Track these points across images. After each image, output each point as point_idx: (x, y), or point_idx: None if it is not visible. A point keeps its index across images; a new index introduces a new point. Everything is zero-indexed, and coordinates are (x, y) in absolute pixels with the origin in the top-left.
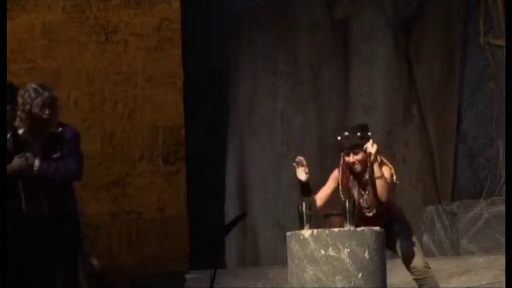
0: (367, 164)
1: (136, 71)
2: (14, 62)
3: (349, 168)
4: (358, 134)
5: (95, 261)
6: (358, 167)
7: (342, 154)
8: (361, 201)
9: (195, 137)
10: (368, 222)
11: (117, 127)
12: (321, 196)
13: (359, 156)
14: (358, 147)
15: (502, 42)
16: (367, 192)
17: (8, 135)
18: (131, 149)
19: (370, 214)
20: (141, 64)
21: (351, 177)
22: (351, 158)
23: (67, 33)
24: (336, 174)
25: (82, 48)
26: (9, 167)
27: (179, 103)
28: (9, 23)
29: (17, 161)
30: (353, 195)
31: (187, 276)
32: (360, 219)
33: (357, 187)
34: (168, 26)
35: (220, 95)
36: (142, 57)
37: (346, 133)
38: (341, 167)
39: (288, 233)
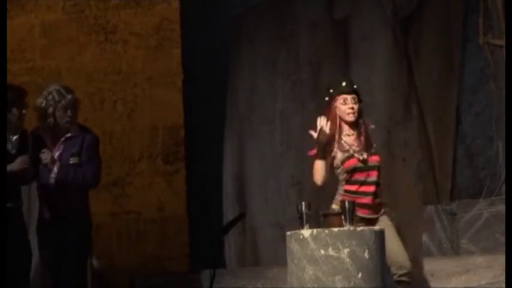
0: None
1: (136, 70)
2: (14, 62)
3: (341, 118)
4: (355, 86)
5: (94, 261)
6: (352, 116)
7: (333, 106)
8: (353, 146)
9: (194, 137)
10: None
11: (117, 127)
12: (317, 169)
13: (357, 106)
14: (357, 95)
15: (501, 42)
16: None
17: (14, 138)
18: (131, 149)
19: (363, 156)
20: (140, 64)
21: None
22: (349, 105)
23: (66, 33)
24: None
25: (81, 48)
26: (9, 167)
27: (179, 103)
28: (8, 22)
29: (15, 163)
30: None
31: (187, 276)
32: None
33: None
34: (168, 26)
35: (220, 94)
36: (142, 57)
37: (344, 82)
38: (333, 116)
39: (288, 233)
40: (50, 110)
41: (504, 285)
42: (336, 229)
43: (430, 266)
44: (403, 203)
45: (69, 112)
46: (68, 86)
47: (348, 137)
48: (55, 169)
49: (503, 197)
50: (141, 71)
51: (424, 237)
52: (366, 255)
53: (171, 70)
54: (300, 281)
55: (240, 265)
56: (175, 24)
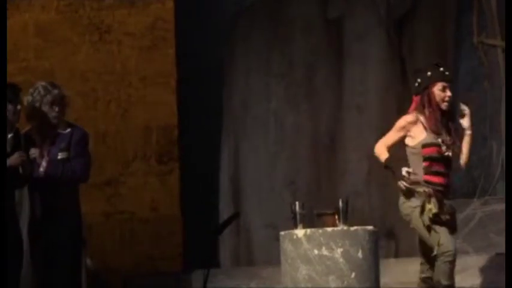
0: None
1: (129, 70)
2: (8, 62)
3: (437, 105)
4: (448, 72)
5: (88, 261)
6: (447, 105)
7: (429, 91)
8: (448, 139)
9: (188, 137)
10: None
11: (111, 127)
12: (387, 144)
13: (451, 93)
14: (452, 83)
15: (495, 41)
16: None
17: (9, 136)
18: (124, 149)
19: (450, 154)
20: (134, 64)
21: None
22: (447, 93)
23: (61, 33)
24: (402, 122)
25: (75, 48)
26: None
27: (173, 103)
28: None
29: (12, 158)
30: (440, 133)
31: (180, 276)
32: (434, 161)
33: (444, 127)
34: (162, 26)
35: (214, 94)
36: (135, 56)
37: (442, 68)
38: (429, 104)
39: (282, 233)
40: (37, 105)
41: (497, 285)
42: (329, 229)
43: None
44: (397, 202)
45: (55, 107)
46: (55, 82)
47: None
48: (43, 163)
49: (497, 196)
50: (135, 70)
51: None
52: (360, 255)
53: (165, 70)
54: (294, 280)
55: (234, 265)
56: (169, 24)
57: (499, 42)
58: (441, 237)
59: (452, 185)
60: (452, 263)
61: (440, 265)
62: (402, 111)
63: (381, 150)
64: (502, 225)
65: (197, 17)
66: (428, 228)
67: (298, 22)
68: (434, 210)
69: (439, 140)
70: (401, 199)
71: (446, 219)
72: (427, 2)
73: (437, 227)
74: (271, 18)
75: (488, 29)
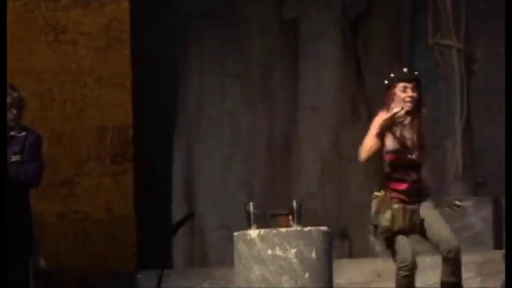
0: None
1: (85, 71)
2: None
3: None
4: (416, 72)
5: (42, 261)
6: (409, 106)
7: (391, 92)
8: (406, 141)
9: (143, 138)
10: (410, 168)
11: (66, 127)
12: (368, 146)
13: (416, 94)
14: (418, 83)
15: (450, 42)
16: (410, 135)
17: None
18: (79, 149)
19: (414, 156)
20: (90, 64)
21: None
22: (409, 93)
23: (16, 33)
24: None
25: (31, 48)
26: None
27: (128, 103)
28: None
29: None
30: (399, 134)
31: (134, 276)
32: (400, 165)
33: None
34: (117, 27)
35: (169, 95)
36: (91, 57)
37: (405, 69)
38: (391, 103)
39: (235, 233)
40: None
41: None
42: (283, 229)
43: (376, 266)
44: (351, 202)
45: (13, 110)
46: (14, 85)
47: (403, 128)
48: None
49: (451, 197)
50: (91, 71)
51: (371, 237)
52: (313, 255)
53: (120, 70)
54: (247, 281)
55: (187, 265)
56: (124, 24)
57: (454, 43)
58: (397, 250)
59: (422, 190)
60: (410, 276)
61: (399, 279)
62: (357, 111)
63: (369, 139)
64: (456, 224)
65: (152, 18)
66: (386, 240)
67: (253, 22)
68: (385, 223)
69: (400, 147)
70: (373, 207)
71: (407, 227)
72: (382, 2)
73: (396, 238)
74: (226, 19)
75: (443, 30)
